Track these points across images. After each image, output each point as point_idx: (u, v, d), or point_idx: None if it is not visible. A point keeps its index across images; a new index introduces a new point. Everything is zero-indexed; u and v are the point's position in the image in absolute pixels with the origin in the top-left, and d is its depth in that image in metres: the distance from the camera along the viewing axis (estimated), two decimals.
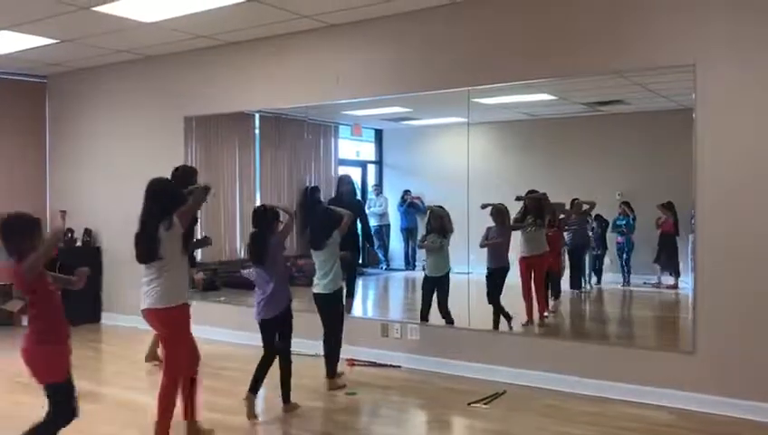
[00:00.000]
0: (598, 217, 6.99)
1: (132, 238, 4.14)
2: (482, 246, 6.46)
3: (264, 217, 4.96)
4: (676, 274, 6.52)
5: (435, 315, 6.29)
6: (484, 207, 6.40)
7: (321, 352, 5.73)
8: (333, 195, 7.16)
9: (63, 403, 3.65)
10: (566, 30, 5.43)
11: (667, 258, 6.55)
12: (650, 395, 5.04)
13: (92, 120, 8.74)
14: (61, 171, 9.15)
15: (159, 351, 6.18)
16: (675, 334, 5.81)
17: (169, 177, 5.79)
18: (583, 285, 7.16)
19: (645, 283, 6.81)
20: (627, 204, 6.75)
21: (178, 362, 4.22)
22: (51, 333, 3.64)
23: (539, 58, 5.54)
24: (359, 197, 7.48)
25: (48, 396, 3.65)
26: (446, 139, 8.14)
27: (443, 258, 6.33)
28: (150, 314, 4.17)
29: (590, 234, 7.09)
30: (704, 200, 4.93)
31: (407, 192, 7.47)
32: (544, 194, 6.53)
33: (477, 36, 5.85)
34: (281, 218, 5.07)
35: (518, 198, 6.49)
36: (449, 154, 7.81)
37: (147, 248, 4.07)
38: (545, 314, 6.50)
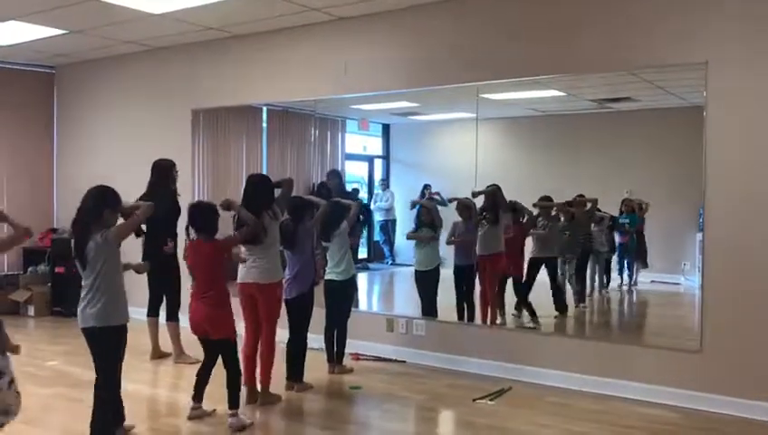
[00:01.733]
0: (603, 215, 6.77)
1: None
2: (448, 243, 6.43)
3: (296, 208, 5.24)
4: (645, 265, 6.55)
5: (442, 312, 6.28)
6: (450, 201, 6.42)
7: (323, 346, 5.78)
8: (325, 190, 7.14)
9: (235, 357, 4.54)
10: (576, 26, 5.39)
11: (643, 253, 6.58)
12: (656, 394, 5.03)
13: (100, 111, 8.74)
14: (68, 161, 9.15)
15: (163, 346, 6.28)
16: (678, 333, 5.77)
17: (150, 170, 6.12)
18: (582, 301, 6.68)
19: (653, 281, 6.76)
20: (632, 201, 6.60)
21: (275, 330, 4.95)
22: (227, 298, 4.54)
23: (548, 54, 5.51)
24: (347, 190, 7.47)
25: (214, 350, 4.54)
26: (454, 134, 8.10)
27: (433, 252, 6.32)
28: (253, 287, 4.86)
29: (602, 238, 6.75)
30: (713, 199, 4.90)
31: (426, 187, 7.40)
32: (496, 187, 6.28)
33: (487, 31, 5.82)
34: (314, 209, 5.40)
35: (474, 194, 6.34)
36: (456, 149, 7.77)
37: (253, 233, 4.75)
38: (496, 320, 6.23)
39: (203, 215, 4.56)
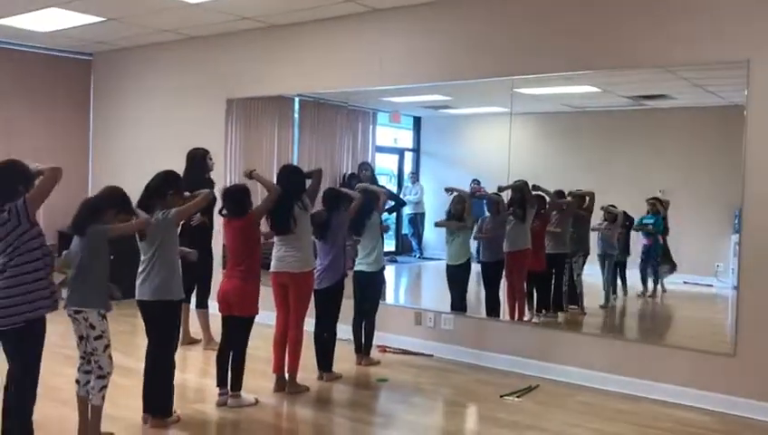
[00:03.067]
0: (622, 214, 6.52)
1: None
2: (475, 238, 6.39)
3: (331, 198, 5.32)
4: (672, 269, 6.34)
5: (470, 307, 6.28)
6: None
7: (351, 337, 5.81)
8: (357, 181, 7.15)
9: (246, 338, 4.65)
10: (614, 22, 5.32)
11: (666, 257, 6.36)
12: (687, 396, 4.96)
13: (135, 98, 8.85)
14: (104, 147, 9.29)
15: (194, 333, 6.36)
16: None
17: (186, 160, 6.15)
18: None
19: (685, 282, 6.64)
20: (658, 200, 6.35)
21: (304, 319, 5.02)
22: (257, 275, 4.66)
23: (585, 49, 5.45)
24: (380, 183, 7.45)
25: (235, 328, 4.60)
26: (485, 128, 8.06)
27: (463, 246, 6.28)
28: (285, 276, 4.92)
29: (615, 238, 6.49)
30: (751, 200, 4.81)
31: (475, 181, 7.34)
32: (523, 182, 6.20)
33: (522, 25, 5.77)
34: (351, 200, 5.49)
35: (500, 189, 6.30)
36: (488, 144, 7.74)
37: (283, 221, 4.84)
38: (524, 317, 6.18)
39: (233, 198, 4.68)
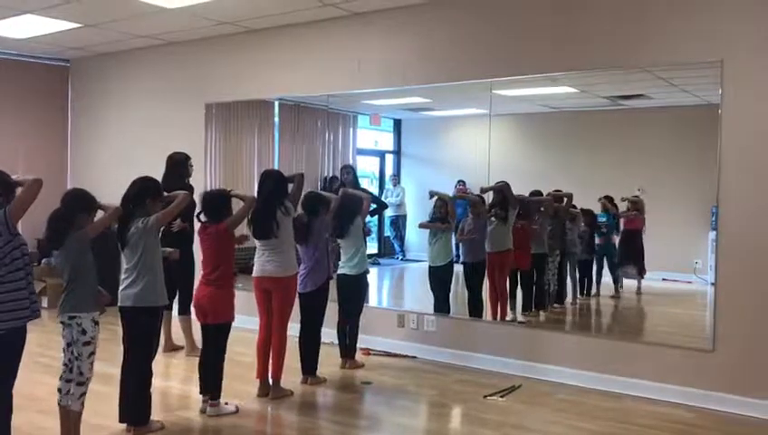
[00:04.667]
0: (587, 212, 6.56)
1: None
2: (458, 241, 6.42)
3: (310, 202, 5.32)
4: (641, 273, 6.38)
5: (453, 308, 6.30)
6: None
7: (336, 341, 5.80)
8: (338, 184, 7.15)
9: (223, 344, 4.59)
10: (590, 23, 5.37)
11: (635, 258, 6.37)
12: (668, 392, 5.02)
13: (114, 104, 8.79)
14: (82, 154, 9.22)
15: (176, 340, 6.32)
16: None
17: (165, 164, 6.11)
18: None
19: (664, 279, 6.71)
20: (609, 198, 6.43)
21: (287, 324, 5.00)
22: (230, 281, 4.66)
23: (562, 50, 5.50)
24: (362, 186, 7.45)
25: (212, 335, 4.57)
26: (466, 130, 8.10)
27: (446, 248, 6.30)
28: (268, 281, 4.93)
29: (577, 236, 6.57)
30: (727, 197, 4.88)
31: (460, 182, 7.35)
32: (505, 183, 6.23)
33: (500, 27, 5.81)
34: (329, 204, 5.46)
35: (483, 190, 6.34)
36: (468, 145, 7.76)
37: (265, 226, 4.85)
38: (506, 317, 6.24)
39: (210, 203, 4.67)
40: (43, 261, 8.72)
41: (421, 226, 6.53)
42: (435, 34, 6.16)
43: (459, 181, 7.34)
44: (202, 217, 4.70)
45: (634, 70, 5.42)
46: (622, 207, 6.47)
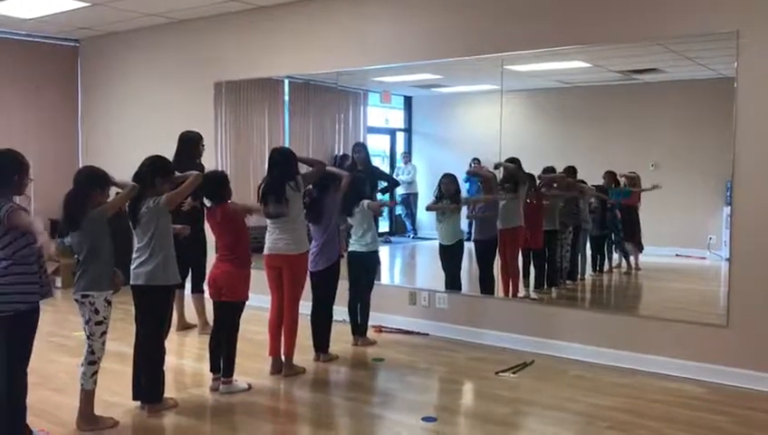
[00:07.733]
0: (600, 188, 6.57)
1: None
2: (468, 217, 6.39)
3: (321, 179, 5.22)
4: (639, 249, 6.36)
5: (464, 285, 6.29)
6: (496, 167, 6.32)
7: (347, 319, 5.82)
8: (349, 162, 7.11)
9: (236, 323, 4.63)
10: None
11: (631, 233, 6.35)
12: (682, 368, 5.00)
13: (124, 84, 8.78)
14: (93, 134, 9.23)
15: (189, 318, 6.35)
16: None
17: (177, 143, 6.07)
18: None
19: (678, 254, 6.66)
20: (611, 173, 6.42)
21: (299, 301, 5.01)
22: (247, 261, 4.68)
23: (574, 24, 5.42)
24: (374, 163, 7.40)
25: (225, 314, 4.61)
26: (477, 106, 8.01)
27: (455, 226, 6.27)
28: (279, 259, 4.91)
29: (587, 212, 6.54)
30: (742, 172, 4.81)
31: (475, 160, 7.30)
32: (516, 160, 6.20)
33: (511, 1, 5.73)
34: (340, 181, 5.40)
35: (496, 166, 6.28)
36: (480, 122, 7.70)
37: (277, 204, 4.85)
38: (518, 294, 6.24)
39: (207, 185, 4.63)
40: (58, 241, 8.78)
41: (428, 208, 6.48)
42: (444, 9, 6.08)
43: (474, 159, 7.28)
44: (206, 201, 4.72)
45: (647, 43, 5.33)
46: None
